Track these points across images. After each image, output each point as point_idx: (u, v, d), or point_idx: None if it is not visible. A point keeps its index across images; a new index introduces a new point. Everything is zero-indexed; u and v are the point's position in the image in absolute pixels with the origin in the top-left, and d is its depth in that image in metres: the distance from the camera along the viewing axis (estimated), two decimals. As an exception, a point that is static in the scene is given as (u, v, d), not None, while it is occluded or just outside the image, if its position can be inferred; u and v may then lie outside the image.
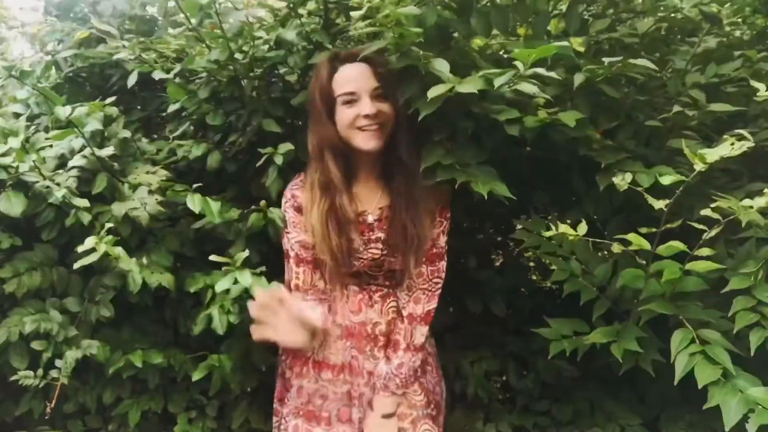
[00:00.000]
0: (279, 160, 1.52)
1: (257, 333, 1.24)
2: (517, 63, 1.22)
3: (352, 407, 1.52)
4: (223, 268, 1.42)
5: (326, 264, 1.46)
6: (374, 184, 1.47)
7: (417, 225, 1.43)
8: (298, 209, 1.47)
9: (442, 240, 1.50)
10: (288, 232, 1.49)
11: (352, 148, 1.39)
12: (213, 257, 1.42)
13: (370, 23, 1.33)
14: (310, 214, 1.43)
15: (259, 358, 1.65)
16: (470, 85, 1.25)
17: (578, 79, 1.33)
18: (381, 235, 1.46)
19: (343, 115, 1.36)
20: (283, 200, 1.50)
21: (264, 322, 1.23)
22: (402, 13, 1.25)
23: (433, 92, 1.25)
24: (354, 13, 1.36)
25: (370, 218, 1.47)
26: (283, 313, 1.23)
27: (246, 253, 1.42)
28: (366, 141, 1.36)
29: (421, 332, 1.51)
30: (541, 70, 1.23)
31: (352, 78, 1.35)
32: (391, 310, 1.53)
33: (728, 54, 1.63)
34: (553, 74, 1.26)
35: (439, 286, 1.53)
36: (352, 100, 1.35)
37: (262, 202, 1.56)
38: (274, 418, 1.63)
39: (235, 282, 1.40)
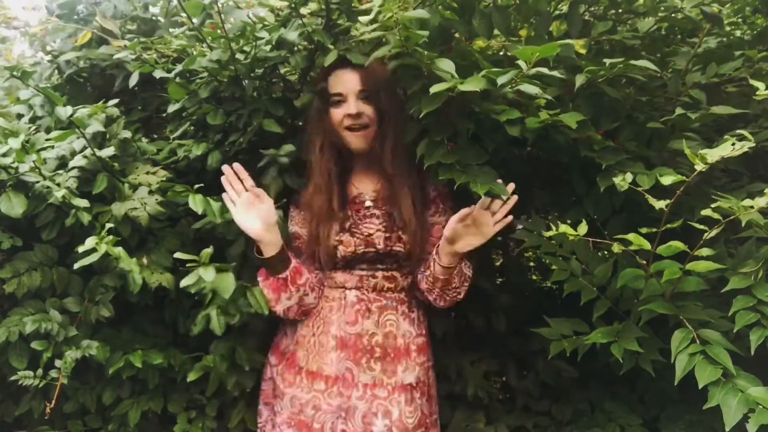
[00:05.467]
0: (283, 161, 1.53)
1: (228, 204, 1.46)
2: (520, 62, 1.22)
3: (346, 421, 1.50)
4: (187, 265, 1.40)
5: (322, 256, 1.53)
6: (371, 171, 1.58)
7: (414, 205, 1.52)
8: (297, 204, 1.60)
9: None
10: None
11: (344, 145, 1.53)
12: (178, 254, 1.41)
13: (375, 28, 1.33)
14: (309, 202, 1.54)
15: (246, 359, 1.64)
16: (473, 84, 1.25)
17: (580, 79, 1.32)
18: (377, 212, 1.54)
19: (333, 114, 1.51)
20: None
21: (231, 197, 1.45)
22: (409, 16, 1.26)
23: (436, 89, 1.25)
24: (362, 18, 1.38)
25: (367, 201, 1.56)
26: (243, 196, 1.44)
27: (210, 249, 1.40)
28: (353, 140, 1.51)
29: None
30: (543, 70, 1.23)
31: (342, 80, 1.49)
32: (389, 322, 1.54)
33: (728, 54, 1.63)
34: (555, 73, 1.26)
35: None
36: (340, 100, 1.49)
37: None
38: (259, 419, 1.65)
39: (199, 279, 1.38)
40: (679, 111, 1.41)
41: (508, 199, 1.44)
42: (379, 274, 1.55)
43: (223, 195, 1.47)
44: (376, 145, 1.52)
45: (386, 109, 1.49)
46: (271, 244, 1.47)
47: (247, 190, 1.45)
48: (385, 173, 1.53)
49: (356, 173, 1.60)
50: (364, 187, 1.59)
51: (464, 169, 1.40)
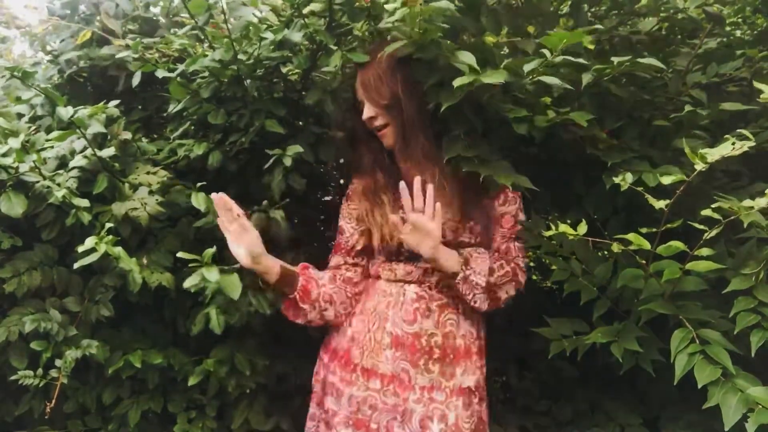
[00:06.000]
0: (288, 161, 1.52)
1: (224, 232, 1.43)
2: (545, 51, 1.21)
3: (403, 425, 1.45)
4: (189, 265, 1.39)
5: (376, 248, 1.52)
6: (418, 166, 1.49)
7: (466, 197, 1.48)
8: (348, 197, 1.60)
9: (521, 216, 1.55)
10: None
11: None
12: (180, 254, 1.39)
13: (397, 19, 1.33)
14: (359, 182, 1.57)
15: (246, 364, 1.64)
16: (495, 77, 1.24)
17: (586, 77, 1.32)
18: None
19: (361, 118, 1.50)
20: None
21: (224, 226, 1.41)
22: (433, 7, 1.25)
23: (459, 82, 1.24)
24: (388, 6, 1.37)
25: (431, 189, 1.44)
26: (235, 224, 1.40)
27: (213, 249, 1.39)
28: (383, 140, 1.51)
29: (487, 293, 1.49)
30: (569, 57, 1.22)
31: (357, 87, 1.50)
32: (449, 322, 1.49)
33: (729, 54, 1.63)
34: (581, 60, 1.25)
35: (520, 265, 1.53)
36: (361, 106, 1.49)
37: (264, 202, 1.56)
38: (310, 423, 1.60)
39: (204, 279, 1.37)
40: (688, 108, 1.41)
41: (426, 190, 1.38)
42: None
43: (218, 221, 1.43)
44: (400, 141, 1.49)
45: (394, 103, 1.45)
46: (266, 273, 1.46)
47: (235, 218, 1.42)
48: (413, 166, 1.49)
49: (405, 171, 1.53)
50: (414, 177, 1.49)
51: (483, 162, 1.39)
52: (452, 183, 1.48)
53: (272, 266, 1.47)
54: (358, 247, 1.57)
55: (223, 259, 1.53)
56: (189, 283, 1.37)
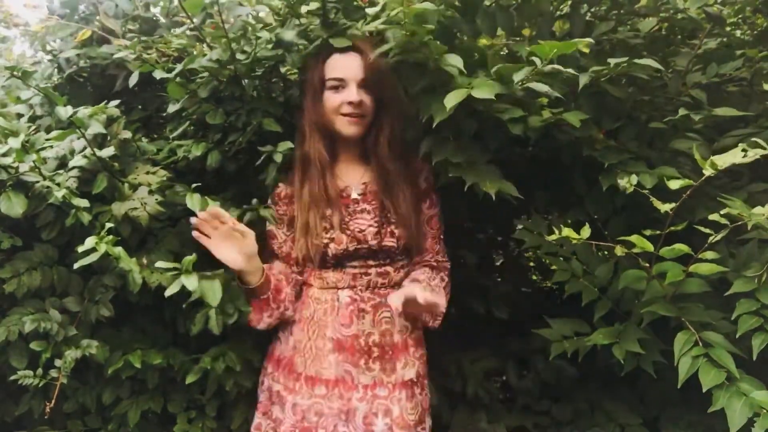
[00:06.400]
0: (278, 158, 1.51)
1: (202, 241, 1.40)
2: (535, 59, 1.21)
3: (347, 423, 1.48)
4: (169, 274, 1.37)
5: (312, 254, 1.49)
6: (356, 163, 1.55)
7: (406, 199, 1.50)
8: (275, 200, 1.57)
9: (440, 221, 1.61)
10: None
11: (335, 131, 1.48)
12: (159, 263, 1.37)
13: (382, 21, 1.32)
14: (299, 193, 1.51)
15: (237, 361, 1.63)
16: (486, 90, 1.24)
17: (583, 79, 1.32)
18: (367, 207, 1.51)
19: (330, 99, 1.45)
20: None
21: (205, 235, 1.40)
22: (416, 9, 1.24)
23: (450, 101, 1.23)
24: (369, 10, 1.37)
25: (354, 193, 1.53)
26: (221, 228, 1.38)
27: (194, 257, 1.36)
28: (347, 127, 1.46)
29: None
30: (558, 67, 1.21)
31: (343, 65, 1.44)
32: (384, 320, 1.52)
33: (729, 54, 1.63)
34: (570, 71, 1.25)
35: (448, 267, 1.62)
36: (339, 86, 1.45)
37: (254, 201, 1.55)
38: (253, 426, 1.61)
39: (183, 288, 1.34)
40: (682, 112, 1.41)
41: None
42: (372, 270, 1.52)
43: (194, 233, 1.42)
44: (370, 135, 1.49)
45: (385, 100, 1.47)
46: (251, 273, 1.45)
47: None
48: (378, 166, 1.50)
49: (340, 165, 1.55)
50: (350, 180, 1.55)
51: (471, 167, 1.39)
52: (403, 188, 1.51)
53: (260, 267, 1.46)
54: (294, 254, 1.55)
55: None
56: (169, 292, 1.36)
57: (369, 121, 1.48)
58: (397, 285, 1.54)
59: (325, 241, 1.48)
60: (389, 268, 1.54)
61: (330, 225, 1.49)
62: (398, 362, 1.52)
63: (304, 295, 1.57)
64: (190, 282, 1.35)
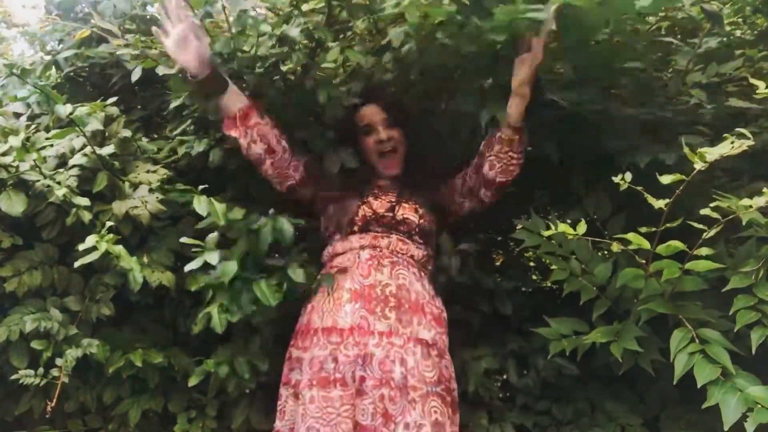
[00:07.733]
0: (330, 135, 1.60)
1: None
2: None
3: (365, 368, 1.49)
4: (192, 251, 1.40)
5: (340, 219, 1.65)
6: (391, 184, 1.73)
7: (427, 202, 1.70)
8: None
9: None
10: None
11: (377, 171, 1.70)
12: (183, 239, 1.42)
13: (396, 3, 1.33)
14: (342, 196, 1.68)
15: (247, 368, 1.64)
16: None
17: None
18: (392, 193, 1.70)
19: (366, 143, 1.68)
20: None
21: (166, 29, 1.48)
22: None
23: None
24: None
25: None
26: (180, 26, 1.47)
27: (216, 234, 1.41)
28: (387, 168, 1.69)
29: None
30: None
31: (368, 114, 1.67)
32: (401, 275, 1.58)
33: (729, 53, 1.63)
34: None
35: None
36: (370, 130, 1.67)
37: (271, 211, 1.55)
38: (278, 402, 1.60)
39: (206, 264, 1.39)
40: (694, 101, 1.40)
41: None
42: (393, 236, 1.61)
43: (154, 29, 1.51)
44: (403, 168, 1.69)
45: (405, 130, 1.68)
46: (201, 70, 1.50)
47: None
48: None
49: (378, 184, 1.73)
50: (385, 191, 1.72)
51: None
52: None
53: (209, 66, 1.50)
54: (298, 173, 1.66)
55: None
56: (191, 266, 1.39)
57: (402, 154, 1.69)
58: (413, 258, 1.62)
59: (359, 203, 1.64)
60: (409, 241, 1.63)
61: (364, 196, 1.67)
62: (414, 317, 1.55)
63: (328, 265, 1.65)
64: (213, 257, 1.39)
